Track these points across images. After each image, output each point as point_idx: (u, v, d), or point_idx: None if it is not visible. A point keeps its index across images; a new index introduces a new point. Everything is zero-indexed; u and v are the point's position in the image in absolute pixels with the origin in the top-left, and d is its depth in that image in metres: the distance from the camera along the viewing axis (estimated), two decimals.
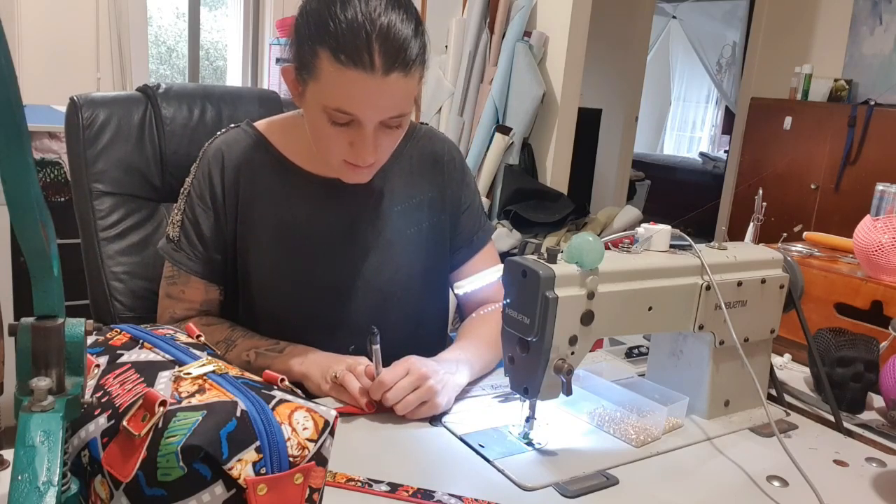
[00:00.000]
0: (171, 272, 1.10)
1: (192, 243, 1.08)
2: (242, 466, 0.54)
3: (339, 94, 0.92)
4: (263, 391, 0.61)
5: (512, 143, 3.01)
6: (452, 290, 1.25)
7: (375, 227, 1.11)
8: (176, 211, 1.10)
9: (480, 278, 1.12)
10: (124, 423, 0.57)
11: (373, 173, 1.05)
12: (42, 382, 0.51)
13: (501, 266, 0.91)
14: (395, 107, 0.94)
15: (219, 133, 1.12)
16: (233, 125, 1.14)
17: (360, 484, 0.78)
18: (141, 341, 0.71)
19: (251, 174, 1.08)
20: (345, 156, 0.98)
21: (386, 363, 0.96)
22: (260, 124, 1.13)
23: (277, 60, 3.54)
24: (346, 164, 1.00)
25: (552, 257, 0.85)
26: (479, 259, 1.21)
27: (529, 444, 0.90)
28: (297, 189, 1.09)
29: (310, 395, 0.97)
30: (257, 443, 0.56)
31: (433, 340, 1.22)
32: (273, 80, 3.60)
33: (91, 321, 0.56)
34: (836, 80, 4.29)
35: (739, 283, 0.99)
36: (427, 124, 1.24)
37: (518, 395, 0.92)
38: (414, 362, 0.95)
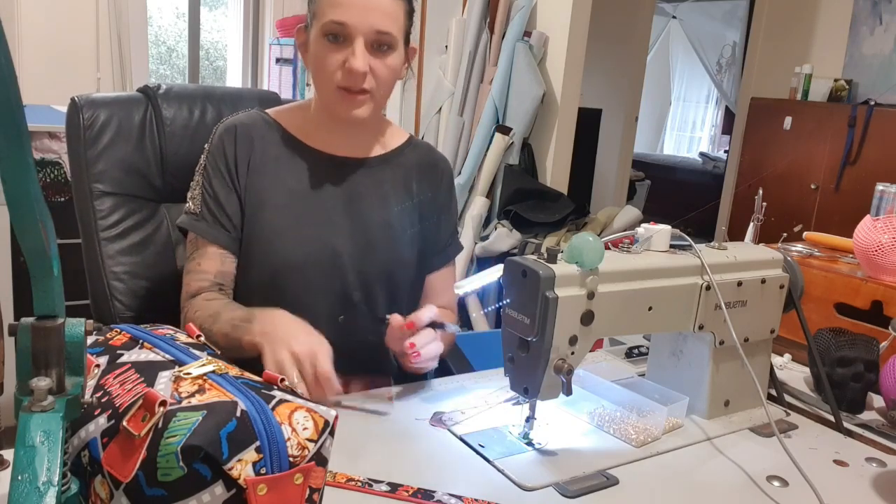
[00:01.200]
0: (189, 249, 1.12)
1: (213, 212, 1.10)
2: (242, 466, 0.54)
3: (331, 6, 1.04)
4: (263, 391, 0.61)
5: (512, 143, 3.01)
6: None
7: (373, 209, 1.16)
8: (193, 187, 1.13)
9: (480, 278, 1.12)
10: (124, 423, 0.57)
11: (365, 107, 1.10)
12: (42, 382, 0.51)
13: (500, 267, 0.91)
14: (380, 20, 1.04)
15: (229, 115, 1.17)
16: (242, 111, 1.18)
17: (360, 484, 0.78)
18: (141, 341, 0.71)
19: (262, 146, 1.13)
20: (339, 81, 1.06)
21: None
22: (269, 110, 1.19)
23: (277, 60, 3.55)
24: (341, 93, 1.07)
25: (552, 257, 0.85)
26: (447, 271, 1.27)
27: (529, 444, 0.90)
28: (303, 161, 1.15)
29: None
30: (257, 443, 0.56)
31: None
32: (273, 80, 3.60)
33: (91, 321, 0.56)
34: (836, 80, 4.29)
35: (739, 283, 0.99)
36: (423, 140, 1.32)
37: (518, 395, 0.92)
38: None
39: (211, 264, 1.10)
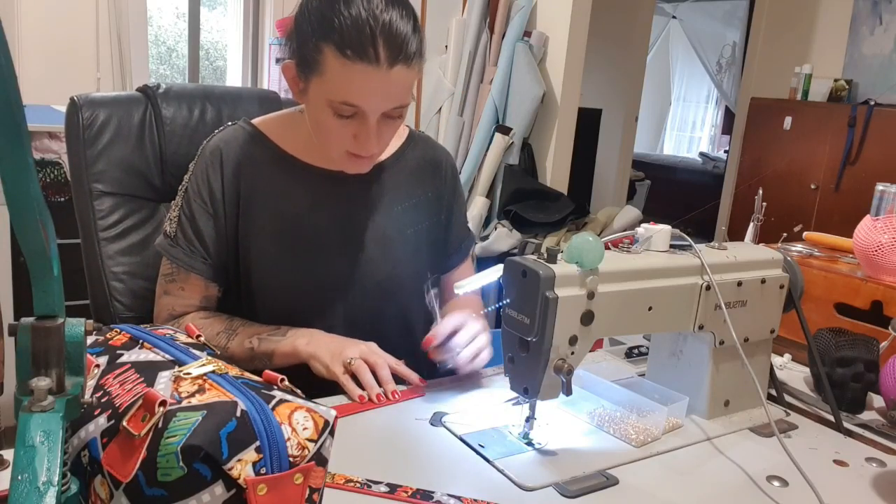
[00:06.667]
0: (169, 269, 1.10)
1: (190, 240, 1.08)
2: (242, 466, 0.54)
3: (345, 88, 0.95)
4: (263, 391, 0.61)
5: (512, 143, 3.00)
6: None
7: (374, 222, 1.14)
8: (173, 208, 1.11)
9: (480, 279, 1.12)
10: (124, 423, 0.57)
11: (373, 163, 1.08)
12: (42, 382, 0.51)
13: (500, 267, 0.91)
14: (397, 98, 0.99)
15: (216, 132, 1.13)
16: (230, 123, 1.15)
17: (358, 485, 0.78)
18: (141, 341, 0.71)
19: (252, 169, 1.09)
20: (348, 147, 1.02)
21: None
22: (257, 121, 1.14)
23: (277, 60, 3.54)
24: (348, 155, 1.03)
25: (552, 257, 0.85)
26: (466, 265, 1.29)
27: (529, 444, 0.90)
28: (297, 181, 1.10)
29: (314, 377, 0.99)
30: (257, 443, 0.55)
31: (420, 338, 1.23)
32: (273, 79, 3.60)
33: (91, 321, 0.56)
34: (836, 80, 4.29)
35: (739, 283, 0.99)
36: (422, 132, 1.28)
37: (518, 395, 0.92)
38: (465, 318, 1.05)
39: (195, 290, 1.10)
